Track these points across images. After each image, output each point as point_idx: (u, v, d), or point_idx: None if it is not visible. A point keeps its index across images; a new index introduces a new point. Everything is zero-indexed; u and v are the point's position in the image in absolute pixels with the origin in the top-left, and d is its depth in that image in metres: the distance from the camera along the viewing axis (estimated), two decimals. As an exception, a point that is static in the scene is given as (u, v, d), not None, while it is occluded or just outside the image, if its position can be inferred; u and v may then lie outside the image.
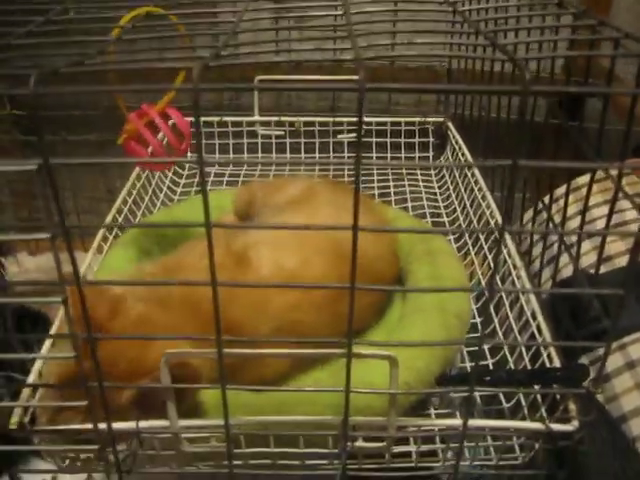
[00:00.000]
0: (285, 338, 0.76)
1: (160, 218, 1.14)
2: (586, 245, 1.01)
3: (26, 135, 1.57)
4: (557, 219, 0.90)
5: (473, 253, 1.08)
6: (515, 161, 0.43)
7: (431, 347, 0.77)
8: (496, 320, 0.92)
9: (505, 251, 0.96)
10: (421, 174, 1.39)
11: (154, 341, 0.70)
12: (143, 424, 0.66)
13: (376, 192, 1.34)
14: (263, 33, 0.69)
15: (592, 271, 0.74)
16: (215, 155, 1.43)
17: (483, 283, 1.03)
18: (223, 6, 0.76)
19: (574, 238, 0.96)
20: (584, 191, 0.75)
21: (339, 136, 1.44)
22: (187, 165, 1.40)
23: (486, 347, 0.89)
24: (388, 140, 1.44)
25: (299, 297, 0.80)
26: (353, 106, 0.41)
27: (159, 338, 0.72)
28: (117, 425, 0.64)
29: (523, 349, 0.82)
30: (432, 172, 1.40)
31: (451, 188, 1.30)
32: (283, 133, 1.43)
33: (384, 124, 1.44)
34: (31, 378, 0.75)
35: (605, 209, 1.03)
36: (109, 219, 1.08)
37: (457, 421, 0.67)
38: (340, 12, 0.67)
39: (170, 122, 0.97)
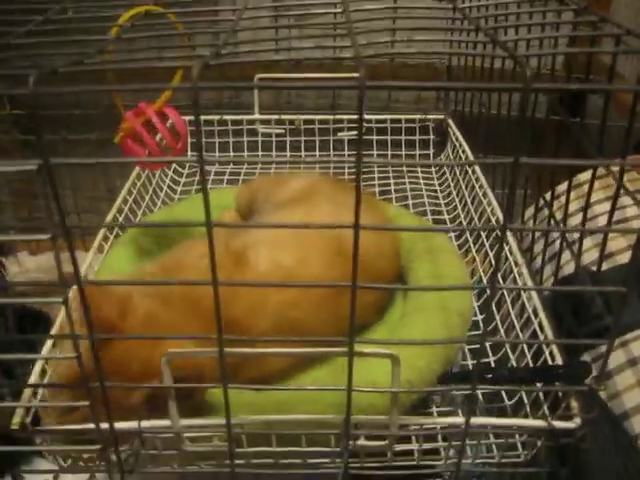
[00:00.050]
0: (286, 337, 0.76)
1: (160, 217, 1.14)
2: (588, 242, 1.01)
3: (26, 135, 1.57)
4: (559, 216, 0.90)
5: (474, 250, 1.08)
6: (516, 158, 0.43)
7: (433, 346, 0.77)
8: (498, 318, 0.92)
9: (506, 248, 0.96)
10: (422, 171, 1.39)
11: (163, 340, 0.70)
12: (145, 424, 0.66)
13: (377, 189, 1.33)
14: (263, 31, 0.69)
15: (594, 268, 0.73)
16: (215, 154, 1.43)
17: (484, 280, 1.03)
18: (223, 4, 0.76)
19: (576, 235, 0.96)
20: (585, 188, 0.75)
21: (339, 134, 1.43)
22: (187, 164, 1.40)
23: (488, 345, 0.89)
24: (389, 137, 1.44)
25: (297, 295, 0.80)
26: (353, 104, 0.41)
27: (164, 337, 0.72)
28: (119, 425, 0.64)
29: (525, 347, 0.82)
30: (433, 169, 1.40)
31: (452, 185, 1.30)
32: (283, 131, 1.43)
33: (384, 121, 1.44)
34: (32, 378, 0.74)
35: (607, 205, 1.03)
36: (109, 218, 1.08)
37: (459, 419, 0.67)
38: (340, 10, 0.67)
39: (168, 122, 0.97)
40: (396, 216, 1.10)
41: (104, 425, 0.60)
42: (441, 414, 0.81)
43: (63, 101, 1.54)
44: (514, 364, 0.83)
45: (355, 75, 0.40)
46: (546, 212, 0.94)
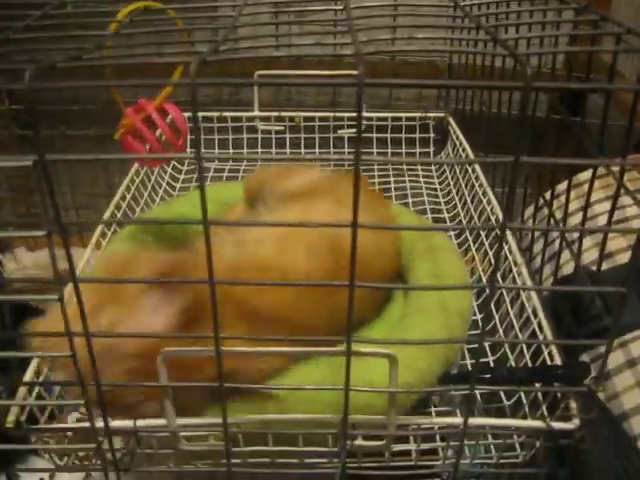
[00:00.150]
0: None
1: (159, 213, 1.14)
2: (587, 242, 1.01)
3: (24, 130, 1.57)
4: (558, 215, 0.90)
5: (474, 249, 1.08)
6: (517, 157, 0.42)
7: (433, 348, 0.76)
8: (497, 317, 0.91)
9: (506, 247, 0.96)
10: (422, 169, 1.38)
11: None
12: (141, 422, 0.65)
13: (377, 187, 1.33)
14: (263, 27, 0.68)
15: (594, 268, 0.73)
16: (214, 151, 1.43)
17: (484, 280, 1.03)
18: (223, 0, 0.75)
19: (575, 234, 0.96)
20: (586, 187, 0.74)
21: (339, 131, 1.43)
22: (186, 160, 1.40)
23: (487, 344, 0.88)
24: (389, 135, 1.44)
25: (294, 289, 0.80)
26: (353, 101, 0.41)
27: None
28: (114, 423, 0.63)
29: (524, 347, 0.82)
30: (433, 168, 1.39)
31: (452, 184, 1.30)
32: (283, 128, 1.43)
33: (385, 119, 1.44)
34: (28, 376, 0.74)
35: (607, 205, 1.03)
36: (107, 215, 1.08)
37: (457, 419, 0.67)
38: (340, 7, 0.67)
39: (168, 118, 0.96)
40: (397, 214, 1.10)
41: (99, 423, 0.60)
42: (439, 414, 0.81)
43: (61, 96, 1.54)
44: (513, 364, 0.83)
45: (355, 73, 0.40)
46: (546, 211, 0.93)
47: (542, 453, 0.72)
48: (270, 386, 0.74)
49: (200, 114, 1.41)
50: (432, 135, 1.46)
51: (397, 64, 1.59)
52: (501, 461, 0.74)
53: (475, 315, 0.94)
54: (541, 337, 0.79)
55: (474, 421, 0.66)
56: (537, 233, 1.06)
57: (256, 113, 1.42)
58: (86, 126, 1.53)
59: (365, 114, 1.42)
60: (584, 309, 0.80)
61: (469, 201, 1.18)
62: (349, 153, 1.42)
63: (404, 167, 1.38)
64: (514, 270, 0.92)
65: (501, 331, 0.89)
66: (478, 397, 0.82)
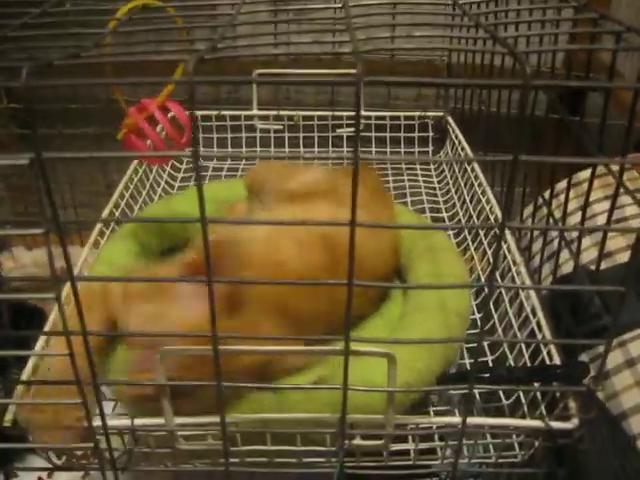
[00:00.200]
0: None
1: (158, 210, 1.13)
2: (586, 241, 1.00)
3: (23, 129, 1.57)
4: (557, 214, 0.90)
5: (473, 248, 1.08)
6: (516, 156, 0.42)
7: (432, 348, 0.76)
8: (496, 316, 0.91)
9: (505, 247, 0.95)
10: (420, 169, 1.38)
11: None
12: (138, 421, 0.65)
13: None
14: (261, 26, 0.68)
15: (593, 267, 0.73)
16: (212, 149, 1.42)
17: (483, 279, 1.02)
18: (221, -2, 0.75)
19: (574, 234, 0.96)
20: (585, 186, 0.74)
21: (338, 130, 1.43)
22: (185, 159, 1.39)
23: (485, 344, 0.88)
24: (387, 134, 1.43)
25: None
26: (352, 100, 0.41)
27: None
28: (112, 422, 0.63)
29: (523, 346, 0.81)
30: (431, 167, 1.39)
31: (451, 183, 1.30)
32: (282, 127, 1.43)
33: (383, 118, 1.44)
34: (25, 375, 0.74)
35: (606, 205, 1.02)
36: (106, 213, 1.08)
37: (456, 419, 0.67)
38: (339, 5, 0.67)
39: (169, 115, 0.96)
40: (396, 214, 1.10)
41: (97, 422, 0.60)
42: (438, 413, 0.81)
43: (60, 95, 1.54)
44: (512, 363, 0.82)
45: (353, 72, 0.40)
46: (545, 210, 0.93)
47: (541, 453, 0.71)
48: (269, 385, 0.73)
49: (199, 113, 1.41)
50: (431, 134, 1.45)
51: (396, 63, 1.59)
52: (500, 461, 0.74)
53: (474, 314, 0.94)
54: (540, 336, 0.79)
55: (473, 420, 0.66)
56: (536, 232, 1.06)
57: (255, 112, 1.42)
58: (85, 125, 1.53)
59: (364, 113, 1.42)
60: (583, 308, 0.80)
61: (468, 200, 1.18)
62: (348, 152, 1.41)
63: (403, 166, 1.38)
64: (513, 269, 0.92)
65: (500, 330, 0.89)
66: (477, 396, 0.82)
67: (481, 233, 1.06)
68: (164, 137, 0.95)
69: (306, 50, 0.55)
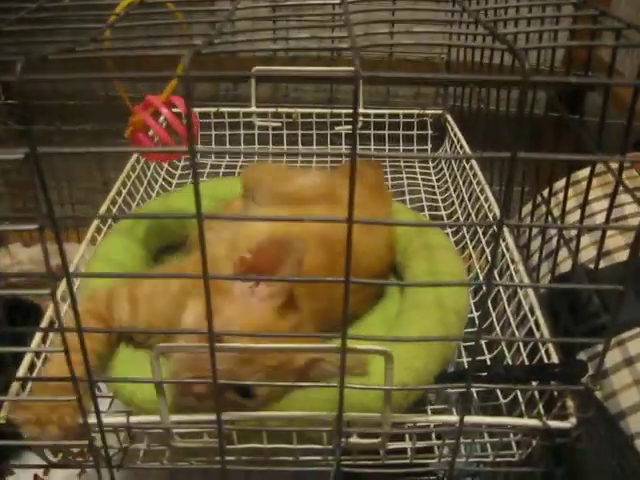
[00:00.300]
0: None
1: (156, 207, 1.13)
2: (585, 239, 1.00)
3: (21, 125, 1.56)
4: (556, 213, 0.89)
5: (471, 247, 1.07)
6: (514, 153, 0.42)
7: (429, 346, 0.76)
8: (494, 315, 0.91)
9: (503, 245, 0.95)
10: (419, 167, 1.38)
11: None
12: (134, 419, 0.65)
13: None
14: (259, 21, 0.68)
15: (591, 266, 0.73)
16: (211, 146, 1.42)
17: (481, 277, 1.02)
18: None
19: (573, 232, 0.95)
20: (584, 185, 0.74)
21: (337, 128, 1.42)
22: (184, 156, 1.39)
23: (483, 342, 0.88)
24: (386, 132, 1.43)
25: None
26: (351, 98, 0.41)
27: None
28: (107, 419, 0.63)
29: (521, 344, 0.81)
30: (430, 165, 1.39)
31: (449, 181, 1.29)
32: (280, 125, 1.42)
33: (382, 116, 1.43)
34: (21, 372, 0.73)
35: (605, 203, 1.02)
36: (103, 210, 1.07)
37: (453, 417, 0.67)
38: (337, 1, 0.66)
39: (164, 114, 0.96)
40: (394, 212, 1.09)
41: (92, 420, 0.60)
42: (435, 412, 0.80)
43: (60, 92, 1.53)
44: (510, 362, 0.82)
45: (352, 69, 0.40)
46: (543, 209, 0.93)
47: (538, 452, 0.71)
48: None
49: (197, 110, 1.40)
50: (430, 132, 1.45)
51: (395, 61, 1.58)
52: (497, 460, 0.74)
53: (472, 313, 0.94)
54: (538, 335, 0.79)
55: (470, 419, 0.66)
56: (535, 230, 1.06)
57: (253, 109, 1.41)
58: (83, 122, 1.53)
59: (362, 111, 1.41)
60: (581, 307, 0.80)
61: (466, 198, 1.17)
62: (346, 149, 1.41)
63: (401, 164, 1.38)
64: (511, 267, 0.91)
65: (498, 329, 0.89)
66: (474, 395, 0.82)
67: (479, 231, 1.06)
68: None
69: (304, 45, 0.55)
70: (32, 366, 0.75)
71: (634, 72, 0.60)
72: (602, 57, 1.18)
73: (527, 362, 0.78)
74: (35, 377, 0.74)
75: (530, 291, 0.84)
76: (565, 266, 0.98)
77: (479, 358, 0.86)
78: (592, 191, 0.75)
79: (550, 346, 0.75)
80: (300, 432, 0.68)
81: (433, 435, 0.73)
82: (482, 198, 1.10)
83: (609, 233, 0.94)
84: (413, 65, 1.65)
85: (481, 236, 1.05)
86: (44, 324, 0.80)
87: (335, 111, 1.43)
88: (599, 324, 0.80)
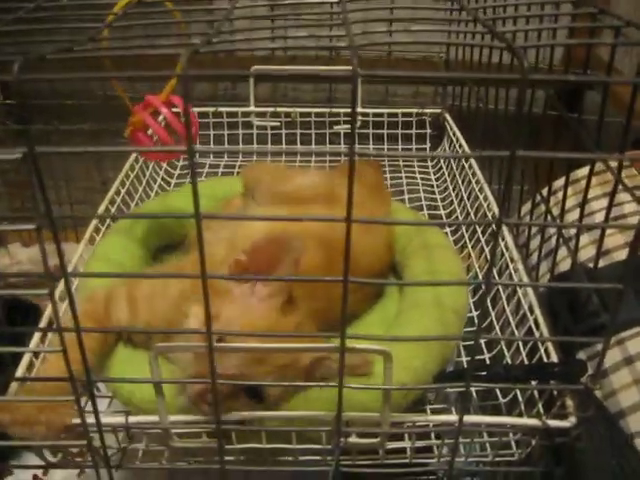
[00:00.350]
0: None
1: (154, 206, 1.13)
2: (584, 238, 1.00)
3: (19, 124, 1.56)
4: (555, 212, 0.89)
5: (470, 246, 1.07)
6: (513, 151, 0.42)
7: (428, 346, 0.76)
8: (493, 314, 0.91)
9: (502, 244, 0.95)
10: (418, 166, 1.38)
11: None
12: (132, 419, 0.65)
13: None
14: (258, 20, 0.67)
15: (590, 265, 0.73)
16: (209, 146, 1.42)
17: (480, 276, 1.02)
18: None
19: (572, 231, 0.95)
20: (583, 184, 0.74)
21: (335, 127, 1.42)
22: (182, 156, 1.39)
23: (483, 341, 0.88)
24: (385, 131, 1.43)
25: None
26: (350, 97, 0.41)
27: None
28: (106, 419, 0.63)
29: (520, 344, 0.81)
30: (429, 164, 1.39)
31: (448, 180, 1.29)
32: (279, 124, 1.42)
33: (381, 115, 1.43)
34: (20, 371, 0.73)
35: (604, 202, 1.02)
36: (101, 210, 1.07)
37: (452, 417, 0.67)
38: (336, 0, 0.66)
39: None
40: (393, 211, 1.09)
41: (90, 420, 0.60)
42: (434, 412, 0.80)
43: (58, 91, 1.53)
44: (509, 361, 0.82)
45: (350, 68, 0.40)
46: (543, 208, 0.93)
47: (538, 451, 0.71)
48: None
49: (196, 109, 1.40)
50: (428, 131, 1.45)
51: (394, 61, 1.58)
52: (496, 459, 0.74)
53: (471, 312, 0.93)
54: (537, 334, 0.78)
55: (469, 419, 0.66)
56: (534, 230, 1.06)
57: (252, 109, 1.41)
58: (81, 121, 1.53)
59: (361, 110, 1.41)
60: (581, 306, 0.80)
61: (465, 197, 1.17)
62: (344, 147, 1.41)
63: (400, 163, 1.38)
64: (510, 267, 0.91)
65: (497, 328, 0.89)
66: (474, 395, 0.82)
67: (478, 230, 1.06)
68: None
69: (302, 44, 0.55)
70: (31, 366, 0.75)
71: (633, 71, 0.60)
72: (601, 56, 1.18)
73: (526, 361, 0.78)
74: (33, 377, 0.74)
75: (529, 290, 0.84)
76: (564, 265, 0.98)
77: (478, 357, 0.85)
78: (591, 190, 0.75)
79: (549, 345, 0.75)
80: (299, 432, 0.68)
81: (432, 435, 0.73)
82: (481, 197, 1.10)
83: (608, 232, 0.93)
84: (412, 64, 1.65)
85: (480, 235, 1.05)
86: (43, 324, 0.80)
87: (334, 110, 1.42)
88: (598, 323, 0.79)
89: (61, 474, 1.18)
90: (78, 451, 0.76)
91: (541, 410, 0.70)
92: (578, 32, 0.72)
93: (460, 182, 1.22)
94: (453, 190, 1.25)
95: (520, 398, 0.75)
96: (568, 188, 0.81)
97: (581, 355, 0.88)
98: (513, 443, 0.73)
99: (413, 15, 0.61)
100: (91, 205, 1.65)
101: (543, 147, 0.77)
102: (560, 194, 0.83)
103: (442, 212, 1.25)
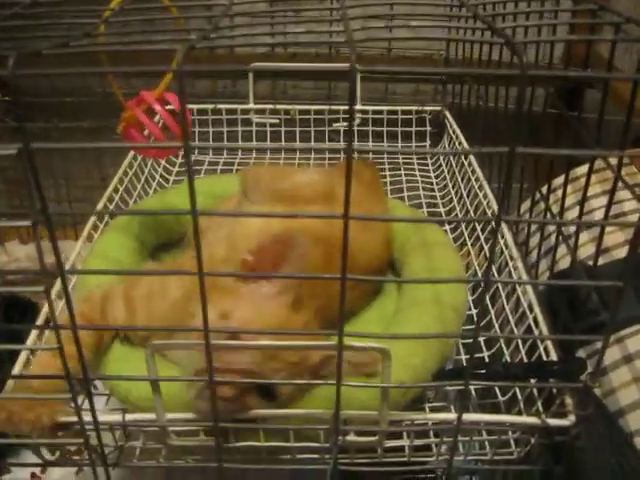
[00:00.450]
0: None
1: (153, 204, 1.13)
2: (584, 236, 1.00)
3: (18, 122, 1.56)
4: (555, 210, 0.89)
5: (469, 244, 1.07)
6: (512, 148, 0.41)
7: (427, 344, 0.75)
8: (492, 312, 0.91)
9: (502, 242, 0.95)
10: (418, 163, 1.38)
11: None
12: (129, 417, 0.65)
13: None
14: (257, 16, 0.67)
15: (590, 262, 0.72)
16: (208, 142, 1.42)
17: (479, 274, 1.02)
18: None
19: (572, 229, 0.95)
20: (582, 181, 0.74)
21: (335, 124, 1.42)
22: (180, 152, 1.38)
23: (482, 339, 0.88)
24: (384, 129, 1.43)
25: None
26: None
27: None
28: (102, 417, 0.63)
29: (519, 341, 0.81)
30: (429, 161, 1.38)
31: (448, 178, 1.29)
32: (278, 121, 1.42)
33: (380, 112, 1.43)
34: (17, 369, 0.73)
35: (604, 200, 1.02)
36: (100, 207, 1.07)
37: (451, 415, 0.66)
38: (335, -5, 0.66)
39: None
40: (391, 208, 1.09)
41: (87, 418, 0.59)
42: (433, 410, 0.80)
43: (58, 88, 1.53)
44: (508, 359, 0.82)
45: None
46: (542, 206, 0.92)
47: (537, 450, 0.71)
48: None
49: (195, 106, 1.40)
50: (428, 129, 1.45)
51: (394, 58, 1.58)
52: (495, 458, 0.74)
53: (470, 310, 0.93)
54: (537, 332, 0.78)
55: (468, 417, 0.65)
56: (533, 227, 1.05)
57: (251, 106, 1.41)
58: (81, 119, 1.53)
59: (361, 107, 1.41)
60: (580, 304, 0.79)
61: (465, 195, 1.17)
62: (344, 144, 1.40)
63: (400, 161, 1.37)
64: (510, 264, 0.91)
65: (497, 326, 0.88)
66: (473, 393, 0.81)
67: (478, 228, 1.05)
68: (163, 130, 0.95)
69: (301, 40, 0.55)
70: (28, 363, 0.75)
71: (633, 68, 0.59)
72: (601, 54, 1.17)
73: (526, 359, 0.78)
74: (30, 375, 0.73)
75: (529, 288, 0.84)
76: (564, 263, 0.98)
77: (477, 355, 0.85)
78: (591, 188, 0.74)
79: (549, 343, 0.75)
80: (297, 430, 0.67)
81: (431, 433, 0.73)
82: (481, 195, 1.09)
83: (608, 230, 0.93)
84: (411, 61, 1.65)
85: (479, 233, 1.04)
86: (40, 322, 0.80)
87: (333, 108, 1.42)
88: (598, 321, 0.79)
89: (59, 472, 1.17)
90: (76, 449, 0.75)
91: (540, 408, 0.70)
92: (578, 29, 0.72)
93: (460, 180, 1.21)
94: (453, 188, 1.25)
95: (519, 396, 0.74)
96: (568, 186, 0.81)
97: (580, 353, 0.87)
98: (512, 441, 0.73)
99: (413, 11, 0.61)
100: (90, 203, 1.64)
101: (543, 145, 0.76)
102: (560, 192, 0.83)
103: (442, 210, 1.24)
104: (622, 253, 0.95)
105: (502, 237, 0.95)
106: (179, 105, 0.42)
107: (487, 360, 0.86)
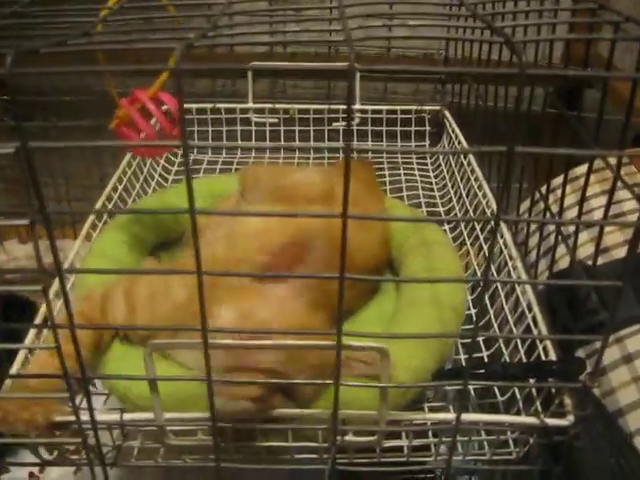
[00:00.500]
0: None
1: (151, 203, 1.12)
2: (583, 236, 1.00)
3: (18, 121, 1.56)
4: (554, 209, 0.89)
5: (469, 243, 1.07)
6: (511, 147, 0.41)
7: (427, 344, 0.75)
8: (491, 312, 0.91)
9: (501, 241, 0.95)
10: (417, 163, 1.37)
11: None
12: (127, 416, 0.64)
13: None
14: (256, 15, 0.67)
15: (589, 262, 0.72)
16: (206, 142, 1.42)
17: (479, 274, 1.02)
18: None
19: (571, 229, 0.95)
20: (582, 181, 0.74)
21: (334, 124, 1.42)
22: (179, 152, 1.38)
23: (481, 339, 0.88)
24: (384, 128, 1.42)
25: None
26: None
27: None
28: (100, 417, 0.62)
29: (518, 341, 0.81)
30: (428, 161, 1.38)
31: (447, 177, 1.29)
32: (277, 121, 1.42)
33: (380, 112, 1.43)
34: (15, 368, 0.73)
35: (603, 200, 1.02)
36: (98, 206, 1.07)
37: (450, 415, 0.66)
38: (334, -6, 0.66)
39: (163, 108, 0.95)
40: (390, 208, 1.09)
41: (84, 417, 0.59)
42: (432, 410, 0.80)
43: (57, 87, 1.53)
44: (507, 359, 0.82)
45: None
46: (542, 206, 0.92)
47: (536, 450, 0.71)
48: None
49: (194, 105, 1.40)
50: (428, 128, 1.45)
51: (393, 58, 1.58)
52: (494, 458, 0.74)
53: (469, 310, 0.93)
54: (536, 332, 0.78)
55: (467, 417, 0.65)
56: (532, 227, 1.05)
57: (250, 105, 1.41)
58: (79, 117, 1.53)
59: (361, 107, 1.41)
60: (580, 304, 0.79)
61: (464, 195, 1.17)
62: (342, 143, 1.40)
63: (399, 160, 1.37)
64: (509, 264, 0.91)
65: (496, 326, 0.88)
66: (472, 393, 0.81)
67: (477, 228, 1.05)
68: (158, 129, 0.94)
69: (300, 39, 0.55)
70: (26, 362, 0.74)
71: (633, 68, 0.59)
72: (601, 53, 1.17)
73: (525, 359, 0.78)
74: (28, 374, 0.73)
75: (528, 288, 0.83)
76: (563, 262, 0.98)
77: (476, 355, 0.85)
78: (590, 187, 0.74)
79: (548, 343, 0.75)
80: (295, 430, 0.67)
81: (430, 433, 0.73)
82: (480, 194, 1.09)
83: (607, 229, 0.93)
84: (411, 61, 1.65)
85: (479, 232, 1.04)
86: (38, 321, 0.80)
87: (332, 107, 1.42)
88: (597, 321, 0.79)
89: (57, 472, 1.17)
90: (74, 449, 0.75)
91: (539, 408, 0.70)
92: (577, 28, 0.72)
93: (459, 179, 1.21)
94: (452, 187, 1.25)
95: (518, 396, 0.74)
96: (567, 186, 0.81)
97: (580, 353, 0.87)
98: (511, 441, 0.73)
99: (412, 10, 0.61)
100: (89, 202, 1.64)
101: (542, 145, 0.76)
102: (559, 192, 0.83)
103: (441, 209, 1.24)
104: (621, 253, 0.95)
105: (501, 237, 0.95)
106: (177, 104, 0.42)
107: (486, 360, 0.86)
